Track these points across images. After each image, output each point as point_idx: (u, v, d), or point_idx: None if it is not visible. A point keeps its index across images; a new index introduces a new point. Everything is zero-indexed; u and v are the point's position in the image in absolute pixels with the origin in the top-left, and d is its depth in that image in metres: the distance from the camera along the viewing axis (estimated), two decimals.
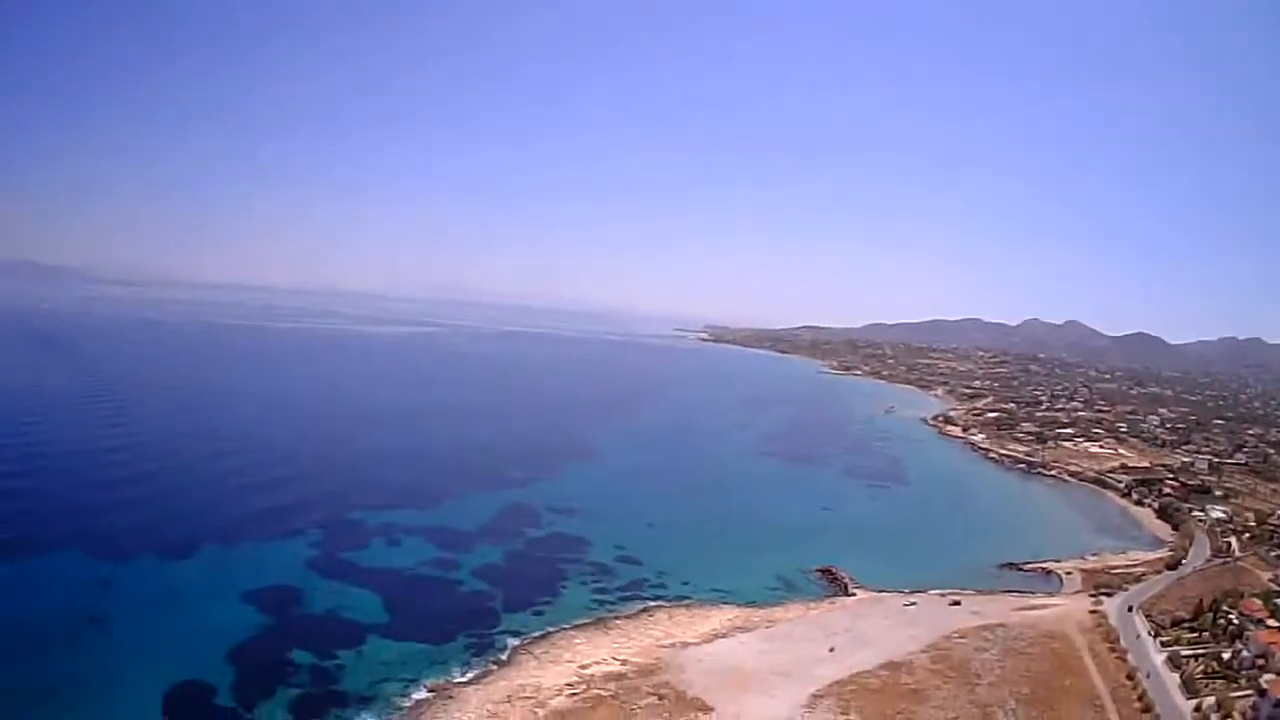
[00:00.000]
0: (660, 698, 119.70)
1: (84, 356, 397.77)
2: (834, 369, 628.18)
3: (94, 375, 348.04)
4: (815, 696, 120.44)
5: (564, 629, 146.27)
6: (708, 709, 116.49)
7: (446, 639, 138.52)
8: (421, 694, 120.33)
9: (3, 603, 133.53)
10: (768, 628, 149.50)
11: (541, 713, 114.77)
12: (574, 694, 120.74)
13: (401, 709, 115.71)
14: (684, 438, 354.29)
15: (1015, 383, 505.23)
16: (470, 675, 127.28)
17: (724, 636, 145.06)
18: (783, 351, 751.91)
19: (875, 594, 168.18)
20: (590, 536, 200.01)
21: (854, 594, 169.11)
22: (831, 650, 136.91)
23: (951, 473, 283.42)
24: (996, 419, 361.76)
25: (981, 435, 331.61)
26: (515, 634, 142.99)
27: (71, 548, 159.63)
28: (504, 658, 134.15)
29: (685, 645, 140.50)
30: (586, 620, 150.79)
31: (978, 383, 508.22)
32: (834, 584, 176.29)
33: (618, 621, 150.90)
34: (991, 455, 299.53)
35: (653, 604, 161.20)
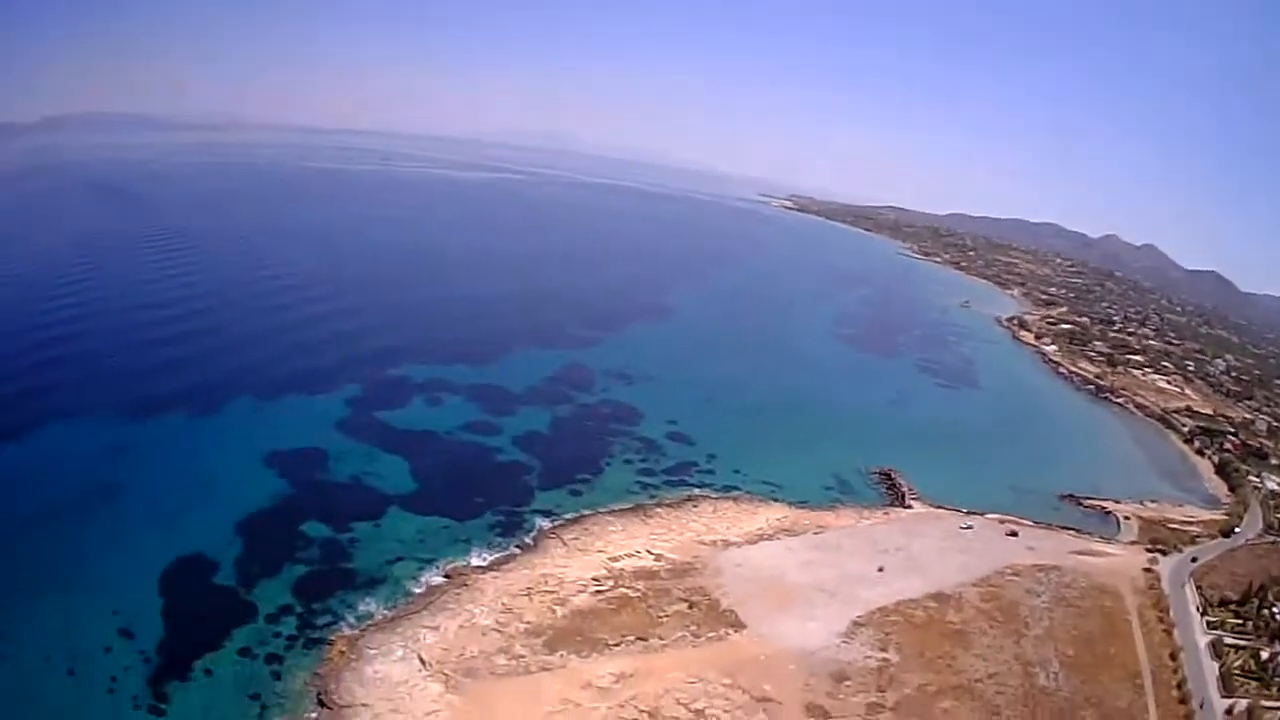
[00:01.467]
0: (690, 605, 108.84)
1: (151, 205, 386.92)
2: (915, 253, 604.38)
3: (158, 224, 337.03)
4: (856, 624, 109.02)
5: (600, 513, 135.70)
6: (739, 625, 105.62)
7: (473, 515, 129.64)
8: (436, 578, 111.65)
9: (15, 471, 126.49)
10: (816, 534, 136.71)
11: (560, 611, 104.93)
12: (599, 591, 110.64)
13: (410, 595, 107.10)
14: (759, 307, 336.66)
15: (1090, 296, 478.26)
16: (491, 559, 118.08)
17: (769, 539, 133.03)
18: (865, 229, 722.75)
19: (933, 509, 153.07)
20: (644, 407, 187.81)
21: (911, 506, 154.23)
22: (880, 570, 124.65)
23: (1022, 383, 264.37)
24: (1070, 332, 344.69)
25: (1054, 347, 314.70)
26: (547, 514, 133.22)
27: (99, 412, 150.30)
28: (531, 541, 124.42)
29: (727, 544, 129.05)
30: (626, 505, 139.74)
31: (1053, 289, 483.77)
32: (892, 491, 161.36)
33: (659, 510, 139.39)
34: (1062, 370, 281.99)
35: (698, 492, 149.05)
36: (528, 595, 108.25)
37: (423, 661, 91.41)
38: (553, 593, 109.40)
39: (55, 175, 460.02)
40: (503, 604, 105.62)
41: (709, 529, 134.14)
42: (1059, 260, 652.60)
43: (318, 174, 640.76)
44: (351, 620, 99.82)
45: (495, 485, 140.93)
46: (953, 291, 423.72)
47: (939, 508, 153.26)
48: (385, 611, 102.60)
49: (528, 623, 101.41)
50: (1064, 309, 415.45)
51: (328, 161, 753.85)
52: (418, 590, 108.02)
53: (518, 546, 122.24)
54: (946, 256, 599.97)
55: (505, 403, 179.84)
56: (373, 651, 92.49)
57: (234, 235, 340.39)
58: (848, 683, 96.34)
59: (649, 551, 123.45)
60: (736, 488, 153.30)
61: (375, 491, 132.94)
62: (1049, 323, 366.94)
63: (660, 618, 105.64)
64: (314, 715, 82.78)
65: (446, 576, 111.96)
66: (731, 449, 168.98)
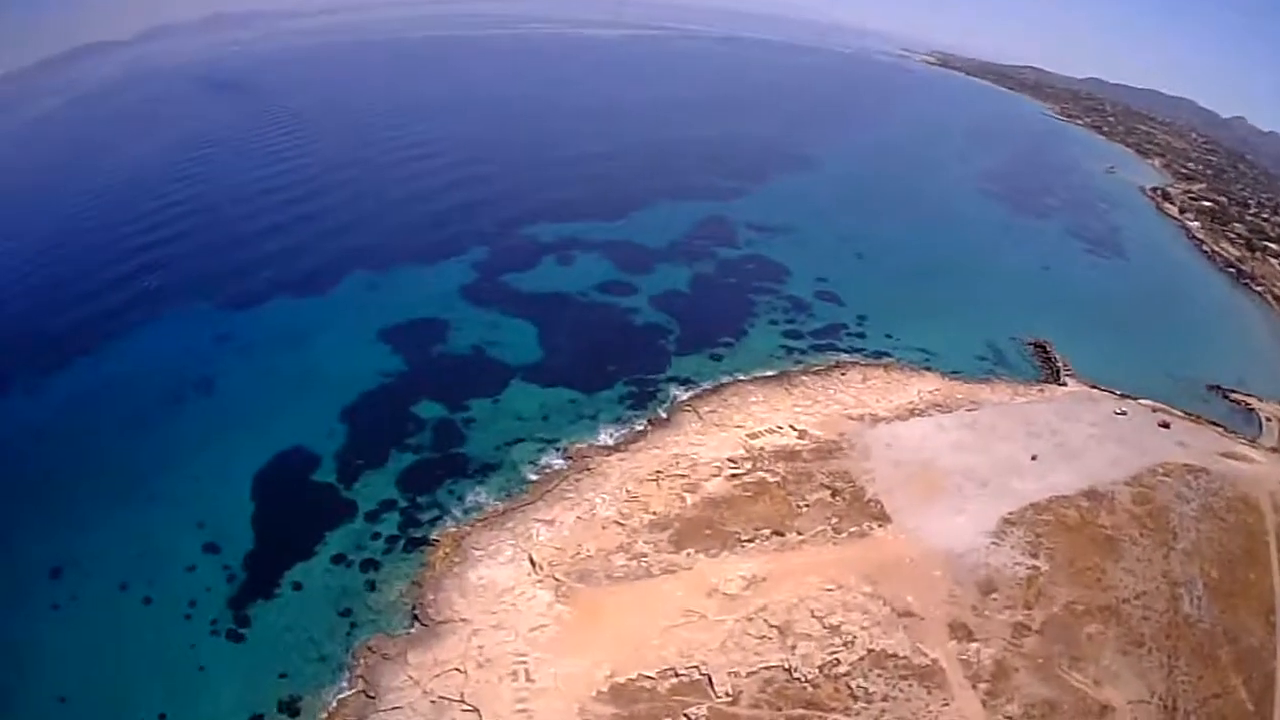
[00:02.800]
0: (834, 493, 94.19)
1: (263, 94, 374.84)
2: (1057, 114, 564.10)
3: (271, 111, 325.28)
4: (1006, 522, 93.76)
5: (741, 381, 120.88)
6: (884, 518, 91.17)
7: (602, 386, 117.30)
8: (556, 461, 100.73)
9: (108, 370, 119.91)
10: (969, 411, 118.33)
11: (691, 499, 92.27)
12: (735, 475, 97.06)
13: (526, 483, 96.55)
14: (906, 162, 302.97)
15: (1226, 176, 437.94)
16: (619, 437, 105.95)
17: (920, 414, 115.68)
18: (1008, 87, 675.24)
19: (1088, 388, 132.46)
20: (791, 264, 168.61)
21: (1066, 383, 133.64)
22: (1034, 459, 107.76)
23: (1168, 258, 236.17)
24: (1210, 210, 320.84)
25: (1197, 223, 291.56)
26: (684, 383, 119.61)
27: (201, 303, 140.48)
28: (664, 414, 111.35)
29: (875, 419, 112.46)
30: (769, 372, 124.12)
31: (1191, 164, 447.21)
32: (1046, 365, 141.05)
33: (804, 378, 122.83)
34: (1205, 248, 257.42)
35: (847, 358, 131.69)
36: (656, 480, 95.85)
37: (533, 563, 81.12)
38: (684, 476, 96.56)
39: (160, 80, 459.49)
40: (628, 491, 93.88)
41: (858, 401, 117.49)
42: (1194, 135, 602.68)
43: (443, 42, 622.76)
44: (459, 515, 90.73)
45: (628, 351, 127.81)
46: (1096, 156, 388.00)
47: (1094, 387, 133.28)
48: (497, 503, 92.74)
49: (654, 513, 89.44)
50: (1203, 185, 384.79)
51: (455, 29, 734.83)
52: (535, 477, 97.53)
53: (649, 421, 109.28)
54: (1088, 120, 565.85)
55: (642, 260, 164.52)
56: (479, 553, 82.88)
57: (352, 111, 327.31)
58: (995, 595, 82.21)
59: (792, 427, 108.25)
60: (887, 354, 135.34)
61: (496, 363, 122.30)
62: (1190, 197, 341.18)
63: (800, 507, 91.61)
64: (410, 631, 73.70)
65: (568, 459, 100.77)
66: (882, 311, 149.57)
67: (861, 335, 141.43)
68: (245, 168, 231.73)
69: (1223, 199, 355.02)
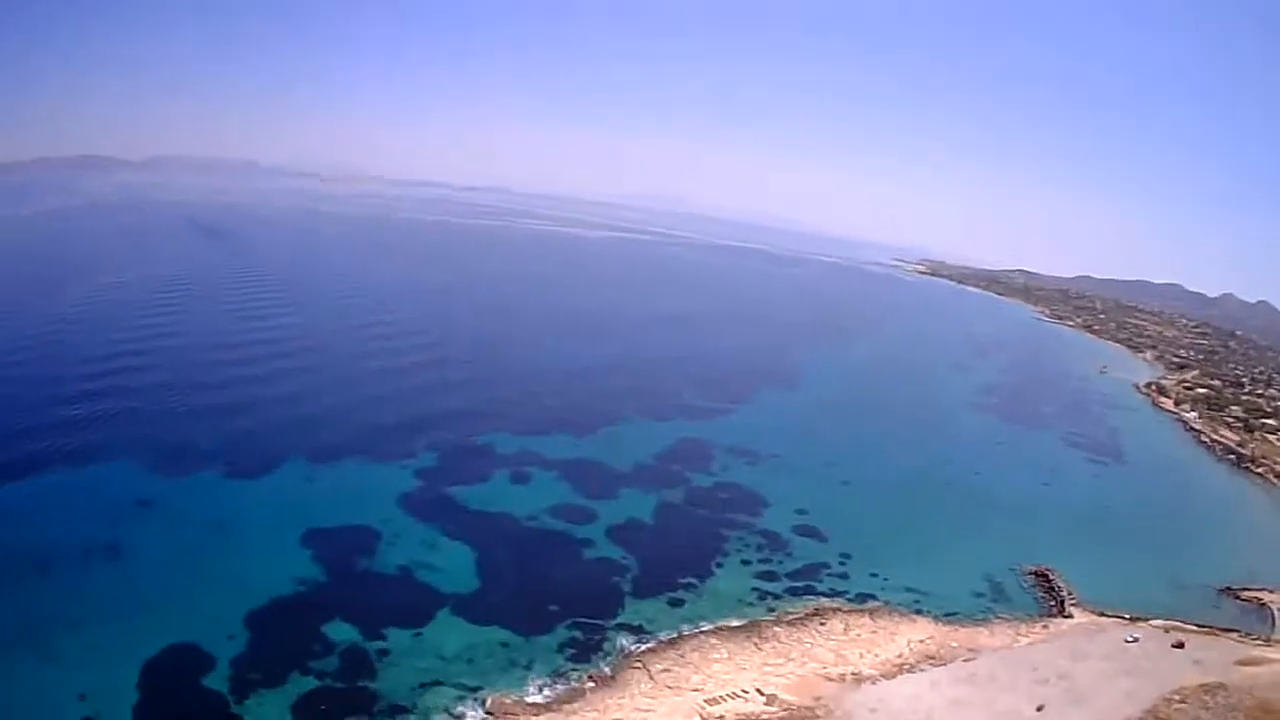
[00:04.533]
0: None
1: (250, 248, 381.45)
2: (1047, 316, 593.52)
3: (254, 266, 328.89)
4: None
5: (703, 632, 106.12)
6: None
7: (541, 629, 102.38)
8: (473, 715, 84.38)
9: (27, 509, 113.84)
10: (966, 661, 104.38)
11: None
12: None
13: None
14: (896, 376, 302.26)
15: (1216, 358, 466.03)
16: (552, 695, 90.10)
17: (911, 670, 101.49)
18: (997, 293, 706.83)
19: (1094, 617, 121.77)
20: (768, 493, 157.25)
21: (1071, 614, 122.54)
22: (1040, 709, 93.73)
23: (1167, 457, 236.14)
24: (1206, 396, 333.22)
25: (1194, 414, 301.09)
26: (636, 631, 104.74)
27: (131, 458, 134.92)
28: (608, 670, 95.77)
29: (859, 680, 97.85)
30: (736, 621, 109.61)
31: (1182, 351, 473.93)
32: (1049, 594, 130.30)
33: (777, 628, 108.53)
34: (1203, 439, 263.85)
35: (828, 603, 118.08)
36: None
37: None
38: None
39: (155, 211, 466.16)
40: None
41: (838, 657, 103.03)
42: (1184, 321, 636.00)
43: (431, 227, 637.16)
44: None
45: (576, 589, 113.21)
46: (1088, 356, 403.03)
47: (1100, 614, 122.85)
48: None
49: None
50: (1195, 372, 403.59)
51: (446, 215, 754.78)
52: None
53: (590, 677, 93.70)
54: (1078, 320, 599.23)
55: (605, 483, 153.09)
56: None
57: (329, 282, 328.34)
58: None
59: (759, 691, 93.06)
60: (873, 596, 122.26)
61: (425, 589, 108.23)
62: (1185, 387, 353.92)
63: None
64: None
65: (489, 714, 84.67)
66: (869, 545, 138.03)
67: (845, 575, 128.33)
68: (211, 321, 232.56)
69: (1216, 383, 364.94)
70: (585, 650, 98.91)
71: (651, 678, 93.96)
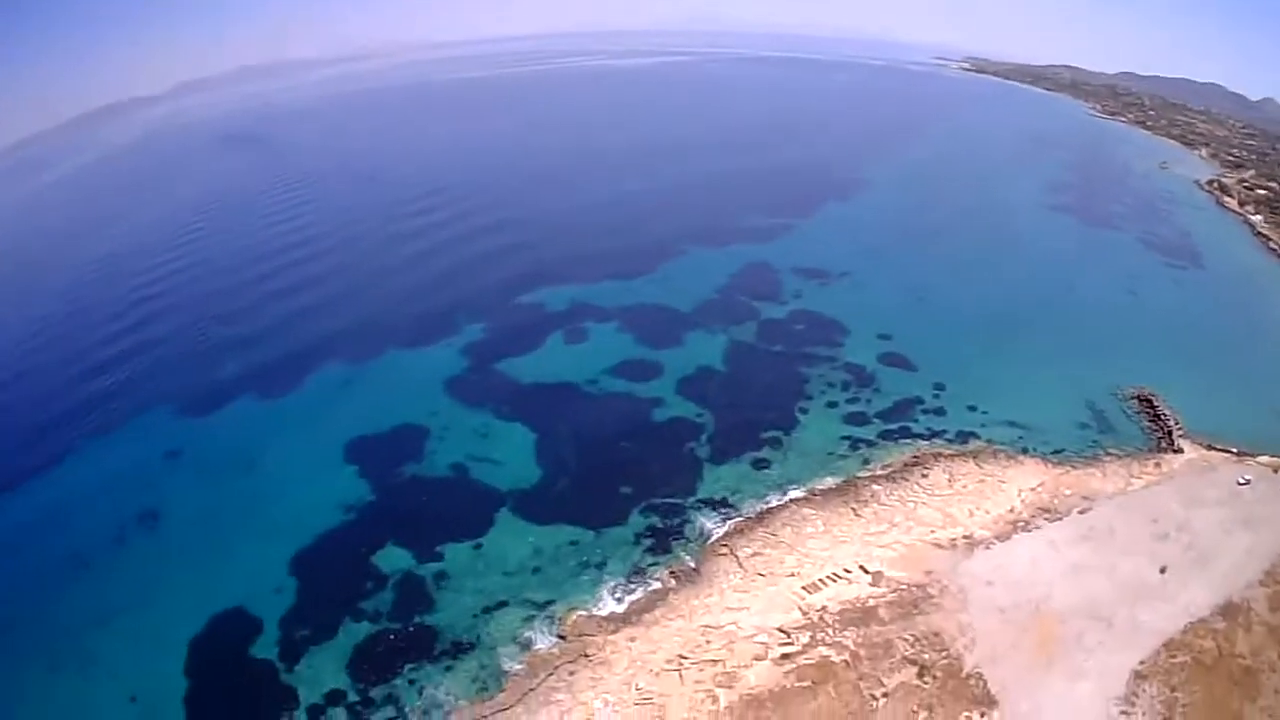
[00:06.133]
0: (922, 671, 69.84)
1: (280, 149, 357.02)
2: (1099, 112, 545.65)
3: (284, 168, 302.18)
4: (1138, 678, 71.25)
5: (794, 500, 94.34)
6: (989, 702, 67.26)
7: (612, 519, 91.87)
8: (545, 640, 75.88)
9: (55, 514, 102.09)
10: (1082, 514, 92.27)
11: (726, 698, 67.85)
12: (788, 653, 71.66)
13: (503, 676, 72.29)
14: (959, 177, 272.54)
15: (1269, 159, 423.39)
16: (631, 601, 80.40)
17: (1025, 527, 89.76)
18: (1046, 89, 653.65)
19: (1203, 451, 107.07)
20: (846, 318, 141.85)
21: (1181, 449, 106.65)
22: (1163, 571, 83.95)
23: (1240, 262, 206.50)
24: (1268, 199, 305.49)
25: (1259, 217, 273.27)
26: (719, 507, 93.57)
27: (154, 413, 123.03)
28: (691, 562, 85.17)
29: (972, 544, 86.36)
30: (830, 481, 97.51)
31: (1236, 151, 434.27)
32: (1156, 424, 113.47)
33: (875, 486, 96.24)
34: (1273, 245, 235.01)
35: (926, 447, 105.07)
36: (678, 669, 70.67)
37: None
38: (717, 662, 71.07)
39: (184, 134, 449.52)
40: (638, 688, 69.11)
41: (945, 516, 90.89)
42: (1232, 121, 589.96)
43: (468, 84, 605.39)
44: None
45: (647, 463, 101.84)
46: (1146, 152, 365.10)
47: (1209, 447, 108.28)
48: (465, 702, 69.92)
49: None
50: (1252, 172, 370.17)
51: (480, 70, 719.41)
52: (517, 666, 73.21)
53: (672, 573, 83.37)
54: (1130, 116, 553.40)
55: (668, 329, 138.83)
56: None
57: (361, 160, 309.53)
58: None
59: (863, 568, 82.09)
60: (975, 434, 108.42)
61: (481, 489, 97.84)
62: (1246, 187, 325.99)
63: (877, 698, 66.32)
64: None
65: (561, 637, 75.33)
66: (960, 372, 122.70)
67: (940, 412, 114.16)
68: (233, 240, 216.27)
69: (1274, 184, 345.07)
70: (663, 539, 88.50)
71: (741, 565, 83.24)
